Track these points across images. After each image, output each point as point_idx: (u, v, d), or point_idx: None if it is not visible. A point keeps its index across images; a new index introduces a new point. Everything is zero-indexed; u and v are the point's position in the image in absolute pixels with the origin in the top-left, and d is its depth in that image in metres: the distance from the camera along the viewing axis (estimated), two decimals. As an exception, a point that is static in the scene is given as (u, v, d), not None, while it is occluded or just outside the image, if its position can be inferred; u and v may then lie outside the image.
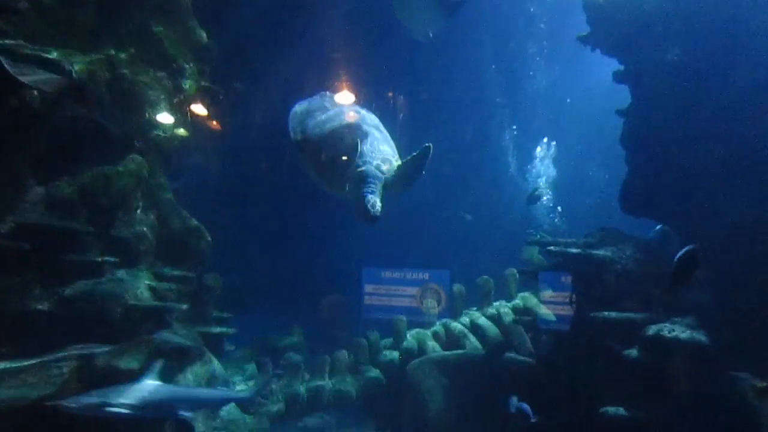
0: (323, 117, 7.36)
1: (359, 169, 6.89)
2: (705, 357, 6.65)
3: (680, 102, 7.98)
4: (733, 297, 7.10)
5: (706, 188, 7.77)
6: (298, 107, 7.77)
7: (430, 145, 6.94)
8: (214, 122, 11.85)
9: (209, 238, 10.63)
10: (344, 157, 6.85)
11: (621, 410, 6.88)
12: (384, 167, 6.77)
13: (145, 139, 9.83)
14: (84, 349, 7.81)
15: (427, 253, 15.58)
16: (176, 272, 10.01)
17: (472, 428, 8.23)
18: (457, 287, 10.86)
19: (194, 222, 10.66)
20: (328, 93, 8.04)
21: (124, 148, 9.69)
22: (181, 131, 10.23)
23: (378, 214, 6.33)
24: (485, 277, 10.67)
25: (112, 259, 8.94)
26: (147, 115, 9.53)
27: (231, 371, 9.89)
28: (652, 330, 6.94)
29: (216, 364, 8.42)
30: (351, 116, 7.26)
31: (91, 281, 8.63)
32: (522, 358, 8.46)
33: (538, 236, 9.81)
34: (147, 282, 9.44)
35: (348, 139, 6.87)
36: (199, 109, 10.78)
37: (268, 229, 14.74)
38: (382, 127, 7.66)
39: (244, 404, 8.60)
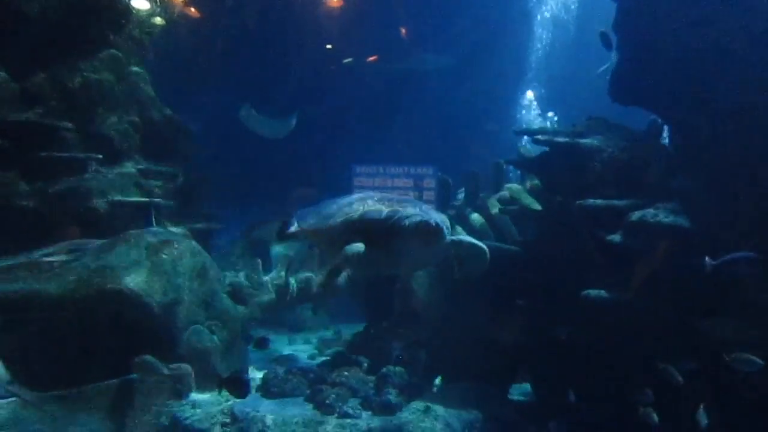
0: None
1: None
2: (687, 241, 6.78)
3: (675, -17, 7.70)
4: (719, 182, 7.14)
5: (698, 74, 7.61)
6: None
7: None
8: (193, 9, 11.37)
9: (193, 134, 10.51)
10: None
11: (603, 293, 7.06)
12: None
13: (120, 30, 9.49)
14: (73, 244, 7.85)
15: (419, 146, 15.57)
16: (162, 168, 9.95)
17: (458, 314, 8.48)
18: (443, 179, 10.87)
19: (178, 118, 10.49)
20: None
21: (100, 41, 9.38)
22: (158, 19, 9.85)
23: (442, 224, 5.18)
24: (473, 170, 10.65)
25: (96, 156, 8.85)
26: (120, 5, 9.14)
27: (221, 265, 10.03)
28: (635, 216, 7.01)
29: (206, 257, 8.51)
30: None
31: (76, 178, 8.59)
32: (507, 246, 8.57)
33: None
34: (133, 179, 9.39)
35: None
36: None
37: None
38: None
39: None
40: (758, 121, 6.90)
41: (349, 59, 16.53)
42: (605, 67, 17.28)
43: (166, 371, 6.98)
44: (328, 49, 16.12)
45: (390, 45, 17.90)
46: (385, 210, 5.49)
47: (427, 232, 5.12)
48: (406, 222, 5.22)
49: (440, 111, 17.11)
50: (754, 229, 6.68)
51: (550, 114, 19.52)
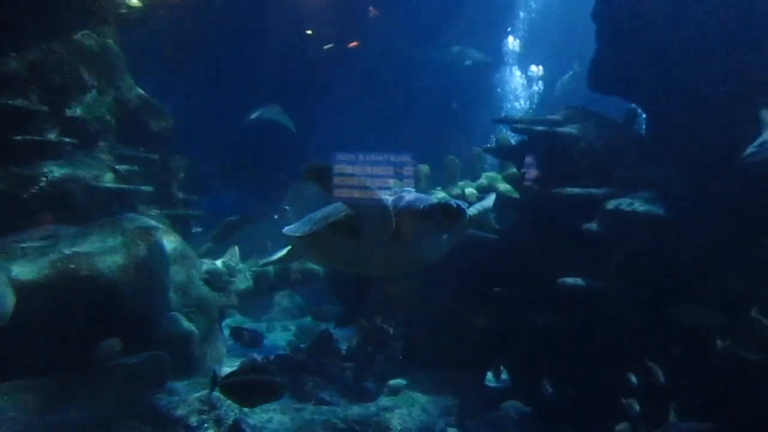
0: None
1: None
2: (661, 229, 6.87)
3: (655, -27, 7.74)
4: (693, 171, 7.23)
5: (675, 64, 7.70)
6: None
7: None
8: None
9: (171, 119, 10.38)
10: None
11: (579, 280, 7.15)
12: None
13: (98, 11, 9.32)
14: (47, 230, 7.73)
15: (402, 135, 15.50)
16: (139, 154, 9.82)
17: (435, 301, 8.53)
18: (423, 167, 10.86)
19: (155, 102, 10.35)
20: None
21: (76, 22, 9.20)
22: (135, 1, 9.68)
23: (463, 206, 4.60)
24: (451, 156, 10.65)
25: (70, 140, 8.70)
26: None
27: (199, 251, 9.96)
28: (611, 204, 7.10)
29: (183, 243, 8.45)
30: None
31: (50, 162, 8.44)
32: (484, 234, 8.60)
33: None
34: (108, 164, 9.26)
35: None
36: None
37: (233, 108, 14.33)
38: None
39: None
40: (733, 112, 6.98)
41: (330, 45, 16.35)
42: (569, 74, 17.50)
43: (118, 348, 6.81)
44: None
45: (431, 36, 17.95)
46: (389, 197, 4.89)
47: (450, 215, 4.54)
48: (422, 206, 4.63)
49: (419, 98, 17.03)
50: (726, 217, 6.78)
51: (533, 68, 19.47)
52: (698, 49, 7.45)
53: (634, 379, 6.46)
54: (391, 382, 7.94)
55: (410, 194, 4.92)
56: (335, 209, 5.02)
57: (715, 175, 7.04)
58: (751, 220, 6.61)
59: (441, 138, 15.52)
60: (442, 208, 4.54)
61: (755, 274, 6.46)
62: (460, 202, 4.62)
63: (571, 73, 17.37)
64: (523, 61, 19.96)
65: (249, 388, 6.04)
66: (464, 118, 17.73)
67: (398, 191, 5.14)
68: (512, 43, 19.76)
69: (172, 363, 7.48)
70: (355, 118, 15.47)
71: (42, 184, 8.19)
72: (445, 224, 4.61)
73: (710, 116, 7.26)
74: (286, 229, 5.36)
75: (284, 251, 5.76)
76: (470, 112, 17.91)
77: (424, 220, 4.60)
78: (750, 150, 6.18)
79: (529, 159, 8.43)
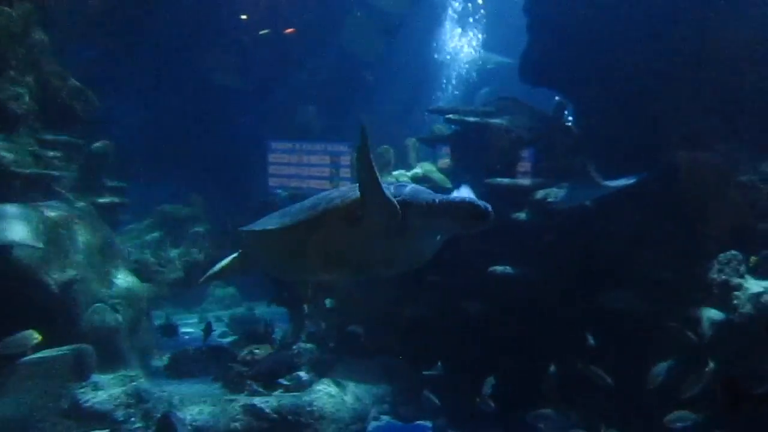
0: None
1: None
2: (587, 218, 7.08)
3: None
4: (618, 162, 7.45)
5: (603, 57, 7.90)
6: None
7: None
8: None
9: (97, 102, 9.97)
10: None
11: (508, 269, 7.31)
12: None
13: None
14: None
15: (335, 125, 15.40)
16: (61, 138, 9.39)
17: (371, 290, 8.53)
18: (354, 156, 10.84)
19: (79, 84, 9.92)
20: None
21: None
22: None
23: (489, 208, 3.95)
24: (386, 146, 10.67)
25: (-15, 122, 8.26)
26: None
27: (128, 241, 9.67)
28: (539, 194, 7.29)
29: (109, 232, 8.18)
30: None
31: (-36, 147, 8.00)
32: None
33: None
34: (28, 148, 8.83)
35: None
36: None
37: (164, 90, 13.91)
38: None
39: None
40: (646, 106, 7.23)
41: (266, 30, 16.04)
42: (486, 89, 17.78)
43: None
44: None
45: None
46: (390, 188, 4.13)
47: (477, 215, 3.93)
48: (437, 200, 4.01)
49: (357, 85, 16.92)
50: (648, 207, 7.03)
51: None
52: (614, 42, 7.67)
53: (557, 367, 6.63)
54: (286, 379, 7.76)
55: (408, 186, 4.34)
56: (319, 200, 4.41)
57: (637, 166, 7.28)
58: (671, 211, 6.89)
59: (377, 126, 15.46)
60: (469, 206, 3.97)
61: (673, 261, 6.75)
62: (486, 203, 4.02)
63: (487, 89, 17.61)
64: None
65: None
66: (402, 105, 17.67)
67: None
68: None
69: (98, 356, 7.25)
70: (283, 104, 15.33)
71: (-45, 171, 7.78)
72: (466, 224, 4.05)
73: (629, 109, 7.50)
74: (246, 227, 4.76)
75: (229, 258, 5.21)
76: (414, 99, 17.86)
77: (445, 216, 4.01)
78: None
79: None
